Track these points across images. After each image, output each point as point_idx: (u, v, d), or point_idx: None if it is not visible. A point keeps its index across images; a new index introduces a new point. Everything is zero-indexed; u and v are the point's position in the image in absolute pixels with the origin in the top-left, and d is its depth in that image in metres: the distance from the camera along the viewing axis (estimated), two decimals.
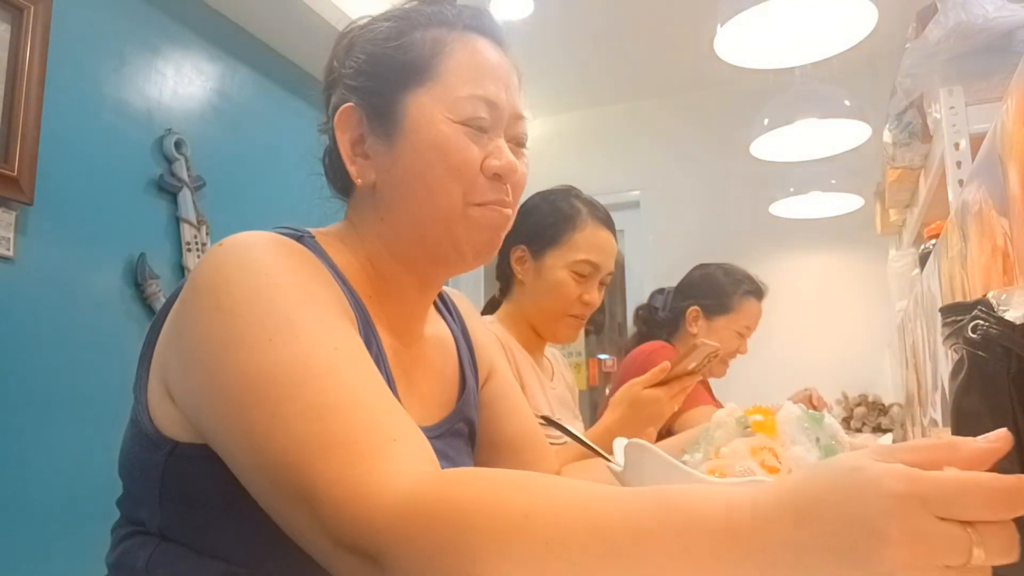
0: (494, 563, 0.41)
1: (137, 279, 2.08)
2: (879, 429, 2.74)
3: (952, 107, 1.47)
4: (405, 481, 0.47)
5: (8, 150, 1.75)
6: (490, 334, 1.02)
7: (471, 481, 0.46)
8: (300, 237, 0.71)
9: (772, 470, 0.55)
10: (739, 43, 1.99)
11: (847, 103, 2.43)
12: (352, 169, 0.76)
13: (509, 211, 0.78)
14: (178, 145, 2.25)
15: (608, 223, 1.54)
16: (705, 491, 0.41)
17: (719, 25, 1.90)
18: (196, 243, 2.25)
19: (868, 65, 2.88)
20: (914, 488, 0.35)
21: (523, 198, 0.92)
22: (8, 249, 1.75)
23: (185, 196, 2.25)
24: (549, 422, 0.96)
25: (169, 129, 2.25)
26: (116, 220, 2.05)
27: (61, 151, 1.90)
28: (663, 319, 2.17)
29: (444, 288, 0.93)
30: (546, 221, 1.50)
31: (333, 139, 0.78)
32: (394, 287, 0.78)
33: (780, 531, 0.38)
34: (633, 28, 3.26)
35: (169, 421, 0.63)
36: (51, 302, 1.85)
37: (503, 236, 0.79)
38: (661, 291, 2.26)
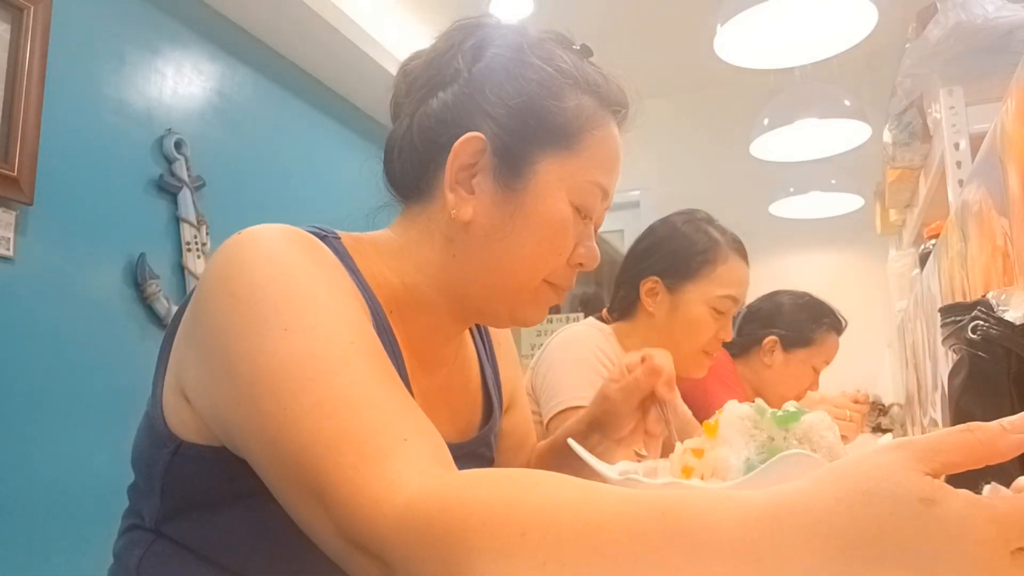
0: None
1: (137, 279, 2.08)
2: (879, 429, 2.74)
3: (952, 107, 1.47)
4: (410, 486, 0.47)
5: (8, 150, 1.75)
6: (516, 360, 0.98)
7: (471, 493, 0.45)
8: (323, 237, 0.69)
9: (687, 470, 0.54)
10: (739, 43, 2.00)
11: (847, 103, 2.44)
12: (451, 197, 0.71)
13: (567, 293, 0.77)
14: (178, 145, 2.25)
15: (743, 253, 1.47)
16: (718, 502, 0.39)
17: (719, 25, 1.90)
18: (196, 243, 2.25)
19: (868, 65, 2.89)
20: (1002, 530, 0.34)
21: None
22: (8, 249, 1.75)
23: (185, 196, 2.25)
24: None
25: (169, 129, 2.25)
26: (116, 220, 2.05)
27: (61, 151, 1.89)
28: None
29: None
30: (683, 253, 1.43)
31: (421, 135, 0.72)
32: (425, 312, 0.75)
33: (820, 561, 0.35)
34: (633, 28, 3.26)
35: (178, 419, 0.63)
36: (51, 302, 1.85)
37: None
38: None
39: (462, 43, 0.74)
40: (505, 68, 0.72)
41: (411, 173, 0.74)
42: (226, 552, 0.63)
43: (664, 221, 1.51)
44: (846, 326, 2.07)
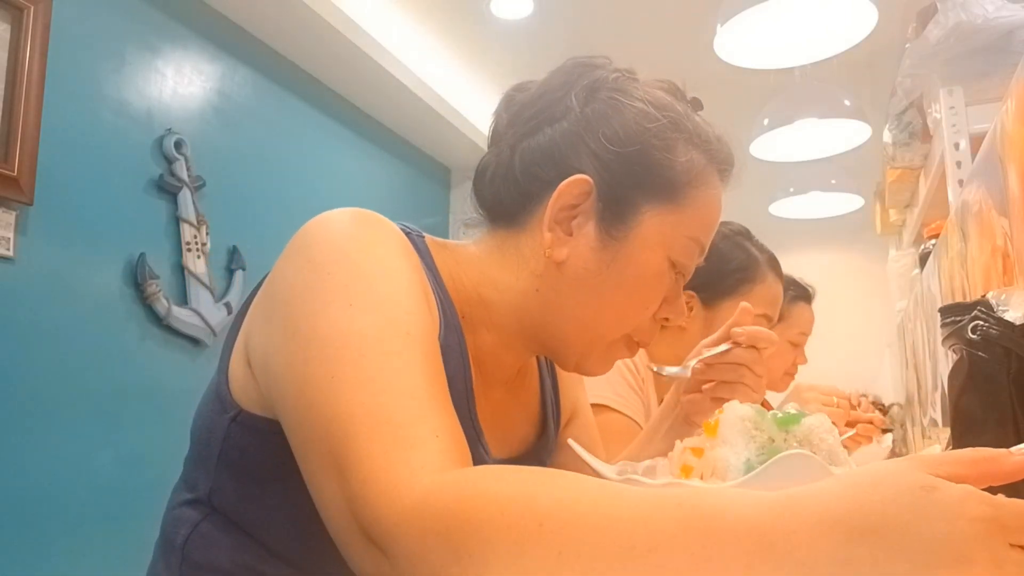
0: (506, 573, 0.41)
1: (137, 279, 2.08)
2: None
3: (952, 107, 1.47)
4: (429, 479, 0.47)
5: (8, 150, 1.75)
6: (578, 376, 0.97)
7: (487, 487, 0.45)
8: (407, 233, 0.69)
9: (686, 469, 0.54)
10: (739, 43, 2.00)
11: (847, 103, 2.44)
12: (548, 236, 0.70)
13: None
14: (178, 145, 2.25)
15: (779, 271, 1.45)
16: (731, 494, 0.41)
17: (719, 25, 1.90)
18: (196, 243, 2.25)
19: (868, 65, 2.88)
20: (998, 514, 0.36)
21: None
22: (8, 249, 1.75)
23: (185, 196, 2.25)
24: None
25: (169, 129, 2.25)
26: (116, 220, 2.05)
27: (61, 151, 1.90)
28: None
29: None
30: (720, 270, 1.38)
31: (523, 167, 0.71)
32: (494, 329, 0.74)
33: (828, 545, 0.37)
34: (633, 28, 3.26)
35: (241, 388, 0.64)
36: (51, 302, 1.85)
37: None
38: None
39: (576, 81, 0.73)
40: (620, 113, 0.71)
41: (506, 202, 0.73)
42: (272, 531, 0.64)
43: None
44: (814, 294, 2.03)
